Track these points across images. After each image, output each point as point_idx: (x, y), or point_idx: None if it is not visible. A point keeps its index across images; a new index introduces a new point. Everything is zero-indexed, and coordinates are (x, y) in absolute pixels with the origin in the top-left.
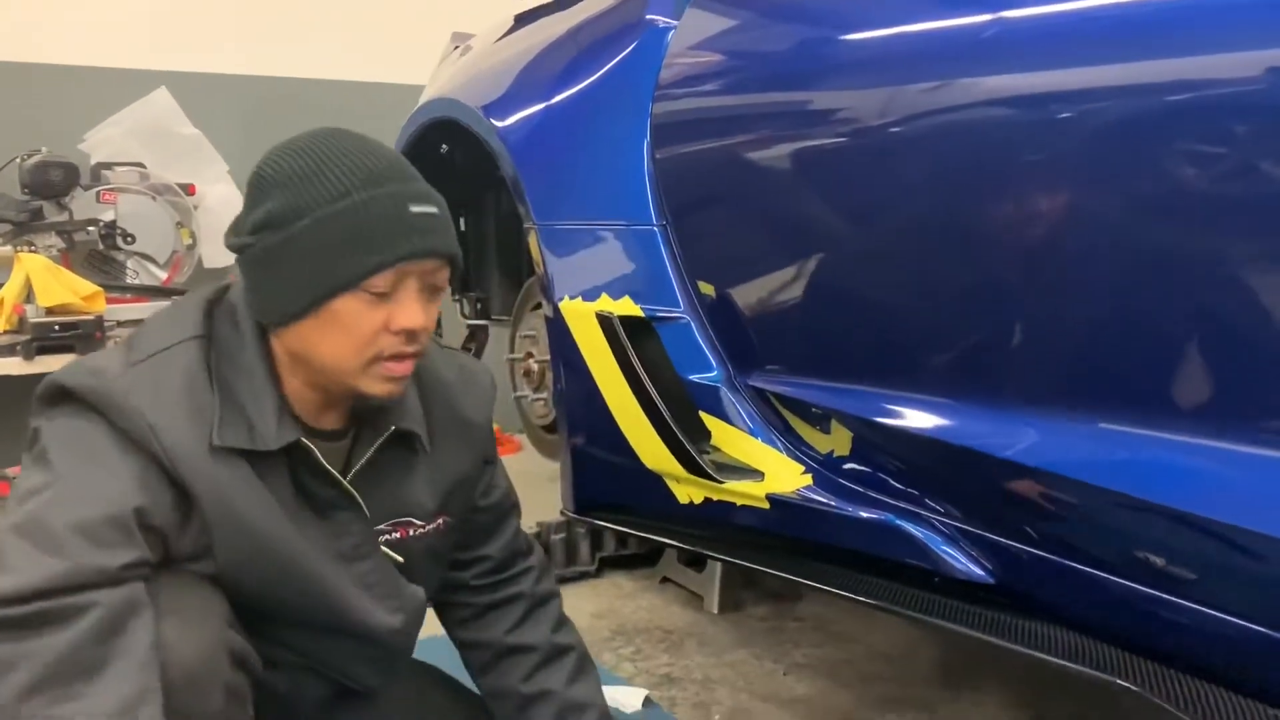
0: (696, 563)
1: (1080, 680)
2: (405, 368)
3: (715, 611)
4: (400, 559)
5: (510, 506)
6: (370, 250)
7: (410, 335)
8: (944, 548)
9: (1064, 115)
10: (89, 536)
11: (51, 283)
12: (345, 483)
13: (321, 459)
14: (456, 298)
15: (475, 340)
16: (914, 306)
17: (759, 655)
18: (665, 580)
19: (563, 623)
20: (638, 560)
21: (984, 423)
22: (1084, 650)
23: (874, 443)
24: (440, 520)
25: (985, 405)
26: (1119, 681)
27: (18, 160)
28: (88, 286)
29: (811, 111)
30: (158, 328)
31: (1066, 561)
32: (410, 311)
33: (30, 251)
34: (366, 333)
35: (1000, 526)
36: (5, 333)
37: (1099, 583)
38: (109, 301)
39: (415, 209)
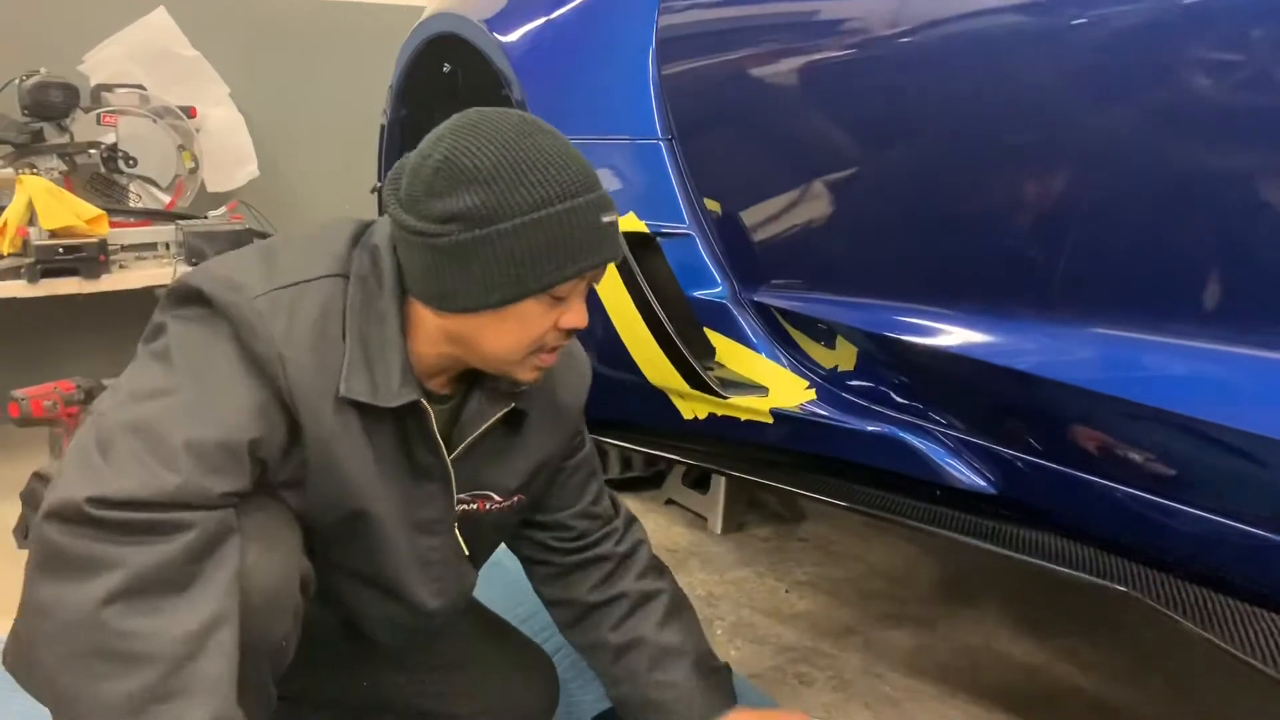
0: (700, 484)
1: (1080, 596)
2: (554, 358)
3: (718, 532)
4: (465, 548)
5: (590, 474)
6: (569, 260)
7: (569, 333)
8: (947, 460)
9: (1077, 21)
10: (201, 458)
11: (54, 205)
12: (446, 456)
13: (433, 426)
14: None
15: None
16: (920, 219)
17: (761, 574)
18: (669, 502)
19: (650, 568)
20: (642, 483)
21: (988, 333)
22: (1082, 558)
23: (879, 356)
24: (516, 498)
25: (990, 315)
26: (1115, 586)
27: (16, 81)
28: (90, 209)
29: (822, 22)
30: (304, 253)
31: (1068, 470)
32: (578, 312)
33: (32, 174)
34: (539, 331)
35: (1003, 437)
36: (9, 255)
37: (1100, 490)
38: (112, 225)
39: (605, 219)
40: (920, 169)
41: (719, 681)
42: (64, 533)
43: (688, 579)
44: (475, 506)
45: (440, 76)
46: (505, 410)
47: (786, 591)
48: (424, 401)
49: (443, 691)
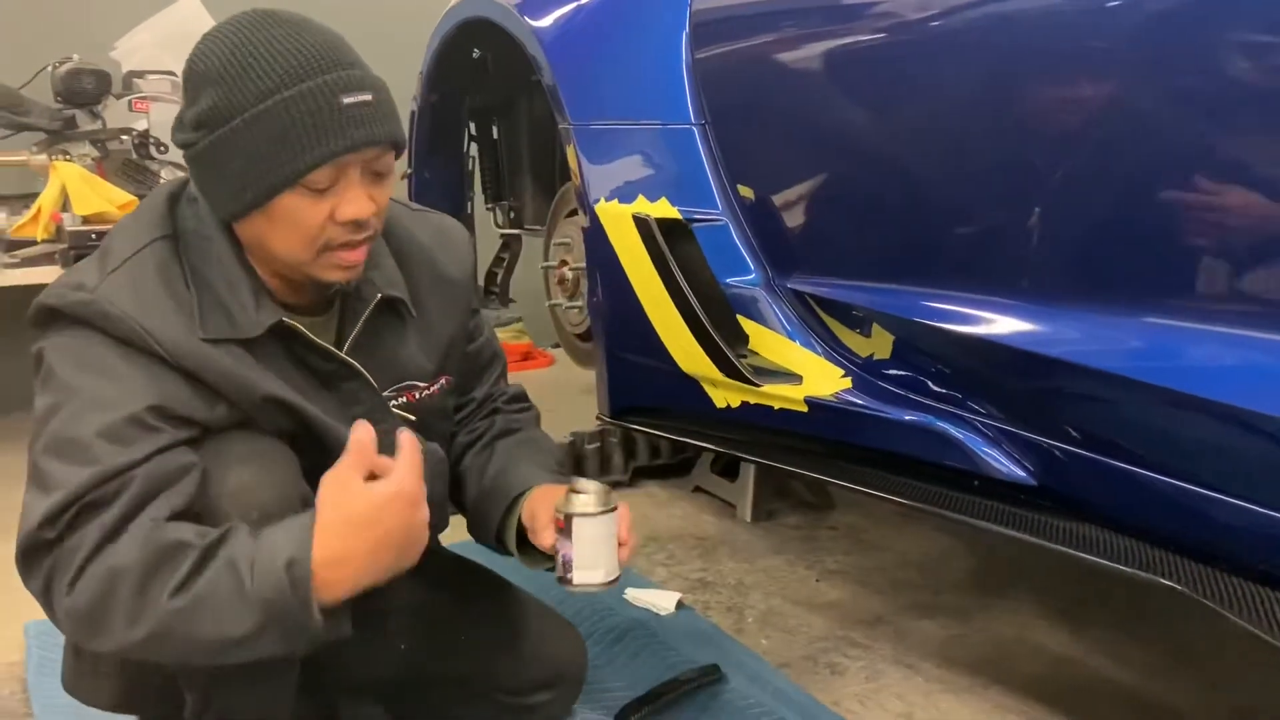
0: (729, 472)
1: (1115, 587)
2: (358, 254)
3: (748, 520)
4: (411, 416)
5: (493, 355)
6: (302, 149)
7: (357, 224)
8: (986, 449)
9: (1113, 3)
10: (113, 439)
11: (87, 191)
12: (340, 354)
13: (310, 335)
14: (489, 206)
15: (509, 250)
16: (959, 204)
17: (791, 562)
18: (698, 489)
19: (523, 416)
20: (670, 470)
21: (1030, 320)
22: (1127, 551)
23: (916, 344)
24: (442, 379)
25: (1031, 303)
26: (1163, 581)
27: (49, 68)
28: (122, 195)
29: (859, 7)
30: (125, 232)
31: (1111, 461)
32: (354, 202)
33: (65, 160)
34: (313, 226)
35: (1045, 427)
36: (43, 241)
37: (1144, 482)
38: None
39: (348, 99)
40: (960, 153)
41: (560, 479)
42: (37, 560)
43: (718, 567)
44: (406, 399)
45: (470, 61)
46: (374, 302)
47: (817, 580)
48: (286, 320)
49: (478, 653)
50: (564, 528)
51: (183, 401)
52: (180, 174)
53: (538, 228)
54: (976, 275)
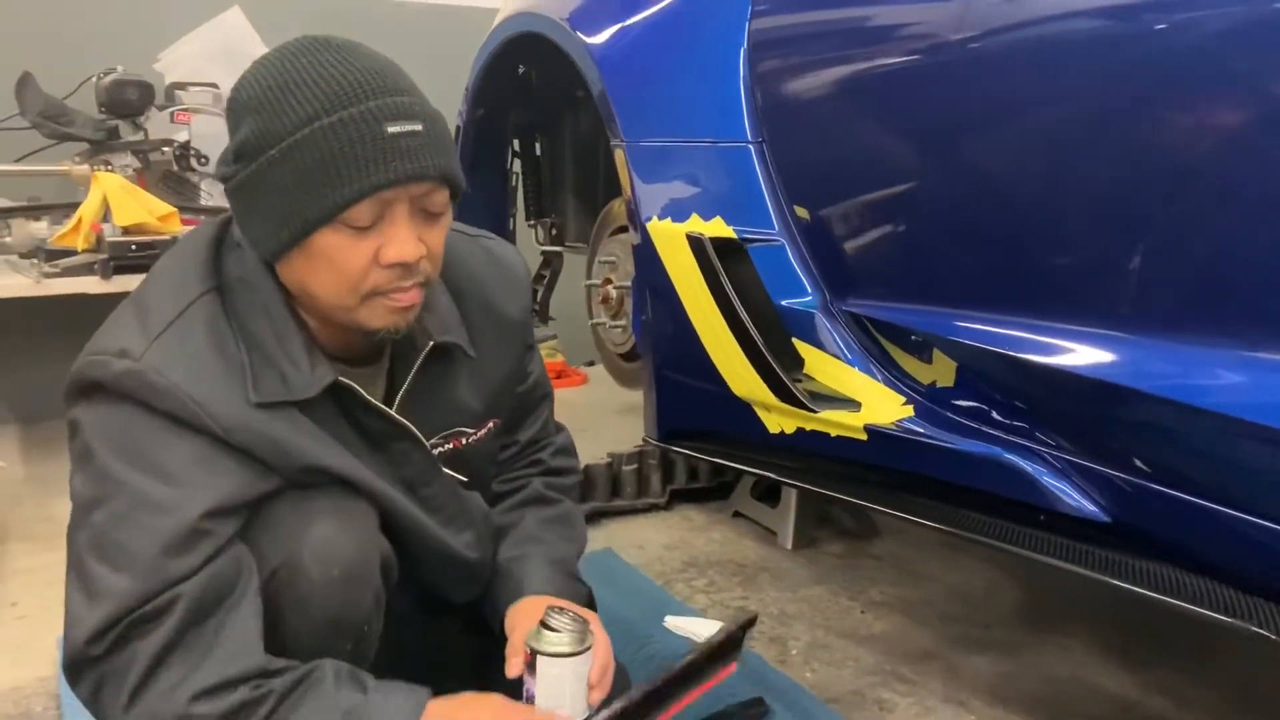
0: (768, 497)
1: (1176, 624)
2: (410, 297)
3: (789, 547)
4: (462, 478)
5: (543, 396)
6: (341, 181)
7: (405, 269)
8: (1055, 482)
9: (1202, 12)
10: (164, 550)
11: (128, 202)
12: (393, 414)
13: (365, 395)
14: (531, 223)
15: (550, 267)
16: (1030, 229)
17: (835, 592)
18: (737, 514)
19: (563, 485)
20: (708, 493)
21: (1109, 350)
22: (1205, 592)
23: (984, 372)
24: (490, 424)
25: (1111, 331)
26: (1251, 628)
27: (94, 79)
28: (163, 207)
29: (923, 25)
30: (167, 284)
31: (1191, 498)
32: (400, 244)
33: (107, 170)
34: (355, 269)
35: (1119, 461)
36: (83, 251)
37: (1226, 521)
38: (183, 222)
39: (393, 129)
40: (1032, 177)
41: (566, 582)
42: (82, 673)
43: (760, 595)
44: (452, 446)
45: (516, 77)
46: (425, 351)
47: (862, 612)
48: (341, 380)
49: None
50: (530, 661)
51: (236, 490)
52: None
53: (579, 245)
54: (1049, 301)
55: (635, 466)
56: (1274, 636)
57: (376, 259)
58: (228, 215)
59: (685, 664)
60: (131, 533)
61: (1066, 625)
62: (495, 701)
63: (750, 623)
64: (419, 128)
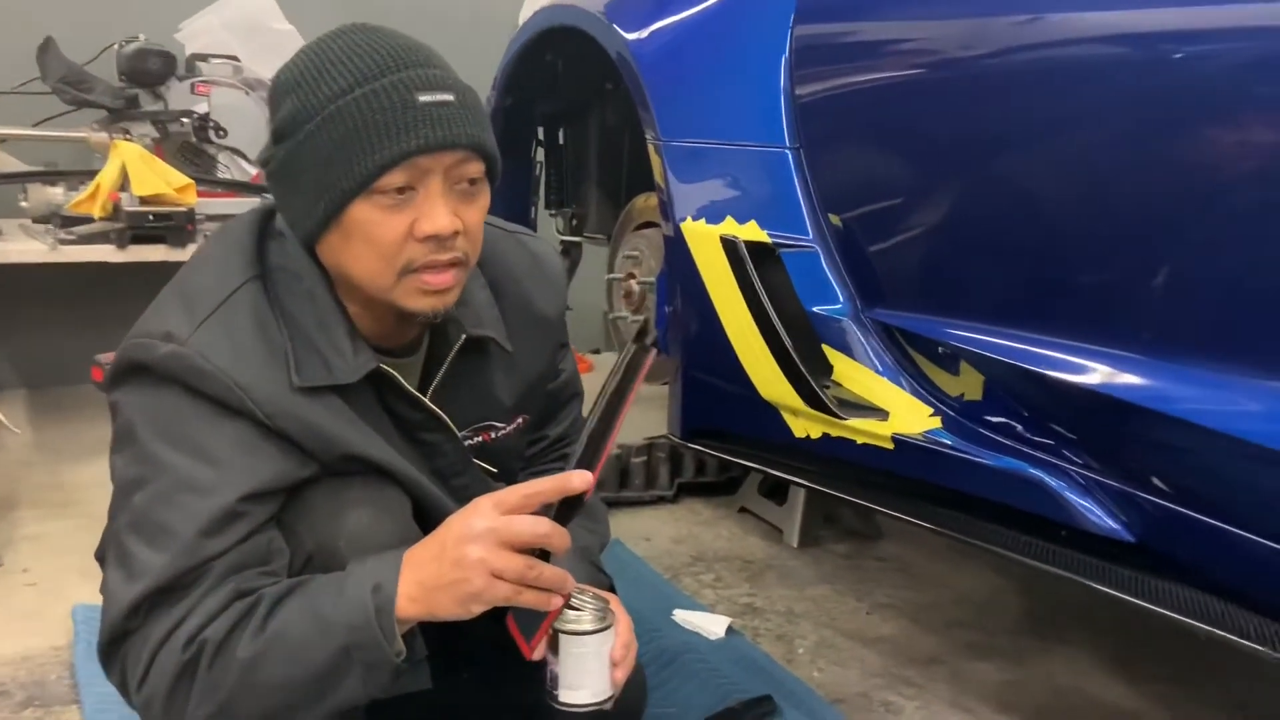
0: (776, 495)
1: (1176, 639)
2: (445, 279)
3: (795, 545)
4: (492, 469)
5: (574, 395)
6: (372, 148)
7: (439, 242)
8: (1080, 500)
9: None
10: (203, 530)
11: (146, 172)
12: (430, 405)
13: (404, 383)
14: (552, 213)
15: (568, 256)
16: (1060, 245)
17: (841, 592)
18: (743, 510)
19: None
20: (716, 488)
21: (1132, 371)
22: (1226, 616)
23: (1012, 388)
24: (519, 419)
25: (1133, 351)
26: (1277, 655)
27: (116, 46)
28: (180, 178)
29: (963, 40)
30: (212, 271)
31: (1218, 523)
32: (434, 216)
33: (126, 139)
34: (390, 242)
35: (1145, 482)
36: (100, 219)
37: (1253, 547)
38: (199, 195)
39: (425, 98)
40: (1066, 195)
41: (589, 570)
42: (116, 650)
43: (767, 593)
44: (481, 439)
45: (545, 67)
46: (459, 344)
47: (868, 613)
48: (382, 367)
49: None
50: (552, 642)
51: (275, 475)
52: (240, 163)
53: (599, 236)
54: (1077, 321)
55: (644, 459)
56: None
57: (412, 233)
58: (269, 206)
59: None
60: (172, 513)
61: (1070, 635)
62: (475, 505)
63: (643, 332)
64: (451, 98)
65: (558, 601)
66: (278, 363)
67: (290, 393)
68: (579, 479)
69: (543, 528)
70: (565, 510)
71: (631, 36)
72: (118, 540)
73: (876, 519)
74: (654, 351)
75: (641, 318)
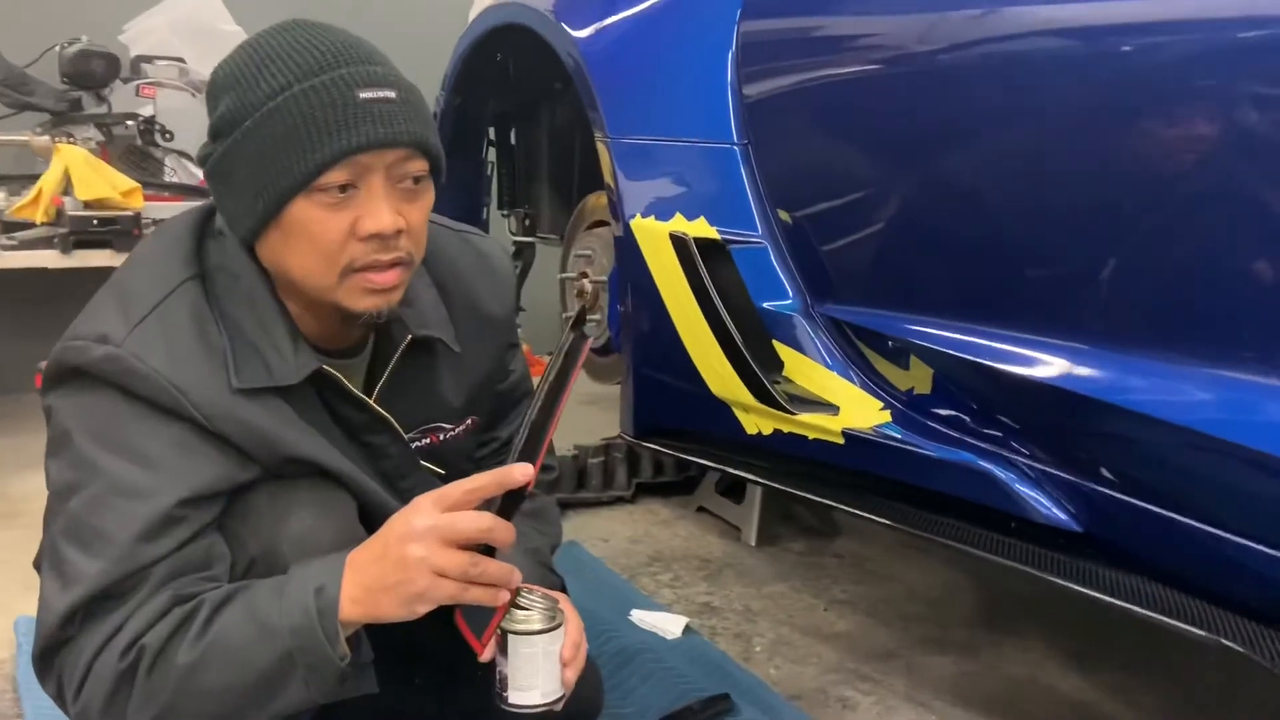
0: (733, 493)
1: (1129, 629)
2: (388, 278)
3: (753, 544)
4: (440, 470)
5: (524, 395)
6: (312, 146)
7: (382, 241)
8: (1029, 491)
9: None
10: (139, 535)
11: (91, 176)
12: (375, 406)
13: (348, 385)
14: (505, 213)
15: (521, 257)
16: (1006, 238)
17: (798, 589)
18: (701, 509)
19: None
20: (673, 488)
21: (1080, 362)
22: (1174, 604)
23: (960, 381)
24: (468, 420)
25: (1081, 343)
26: (1224, 641)
27: (57, 48)
28: (126, 182)
29: (908, 35)
30: (148, 271)
31: (1165, 512)
32: (376, 214)
33: (69, 143)
34: (331, 241)
35: (1092, 472)
36: (43, 224)
37: (1199, 535)
38: (146, 199)
39: (366, 95)
40: (1011, 188)
41: (541, 572)
42: (51, 660)
43: (724, 591)
44: (429, 441)
45: (494, 66)
46: (404, 344)
47: (825, 610)
48: (324, 368)
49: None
50: (501, 642)
51: (214, 478)
52: (188, 166)
53: (552, 236)
54: (1025, 312)
55: (601, 459)
56: (1242, 650)
57: (354, 231)
58: (209, 205)
59: (549, 384)
60: (107, 518)
61: (1023, 626)
62: (416, 504)
63: (579, 319)
64: (393, 95)
65: (505, 596)
66: (216, 364)
67: (229, 394)
68: (520, 471)
69: (485, 522)
70: (508, 504)
71: (579, 34)
72: (53, 547)
73: (833, 515)
74: (590, 340)
75: (579, 306)
